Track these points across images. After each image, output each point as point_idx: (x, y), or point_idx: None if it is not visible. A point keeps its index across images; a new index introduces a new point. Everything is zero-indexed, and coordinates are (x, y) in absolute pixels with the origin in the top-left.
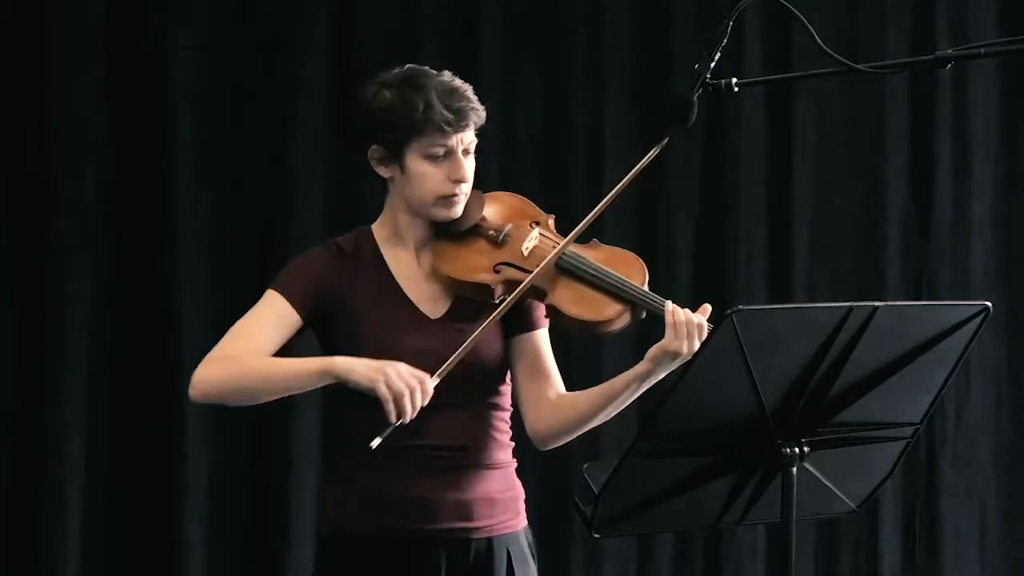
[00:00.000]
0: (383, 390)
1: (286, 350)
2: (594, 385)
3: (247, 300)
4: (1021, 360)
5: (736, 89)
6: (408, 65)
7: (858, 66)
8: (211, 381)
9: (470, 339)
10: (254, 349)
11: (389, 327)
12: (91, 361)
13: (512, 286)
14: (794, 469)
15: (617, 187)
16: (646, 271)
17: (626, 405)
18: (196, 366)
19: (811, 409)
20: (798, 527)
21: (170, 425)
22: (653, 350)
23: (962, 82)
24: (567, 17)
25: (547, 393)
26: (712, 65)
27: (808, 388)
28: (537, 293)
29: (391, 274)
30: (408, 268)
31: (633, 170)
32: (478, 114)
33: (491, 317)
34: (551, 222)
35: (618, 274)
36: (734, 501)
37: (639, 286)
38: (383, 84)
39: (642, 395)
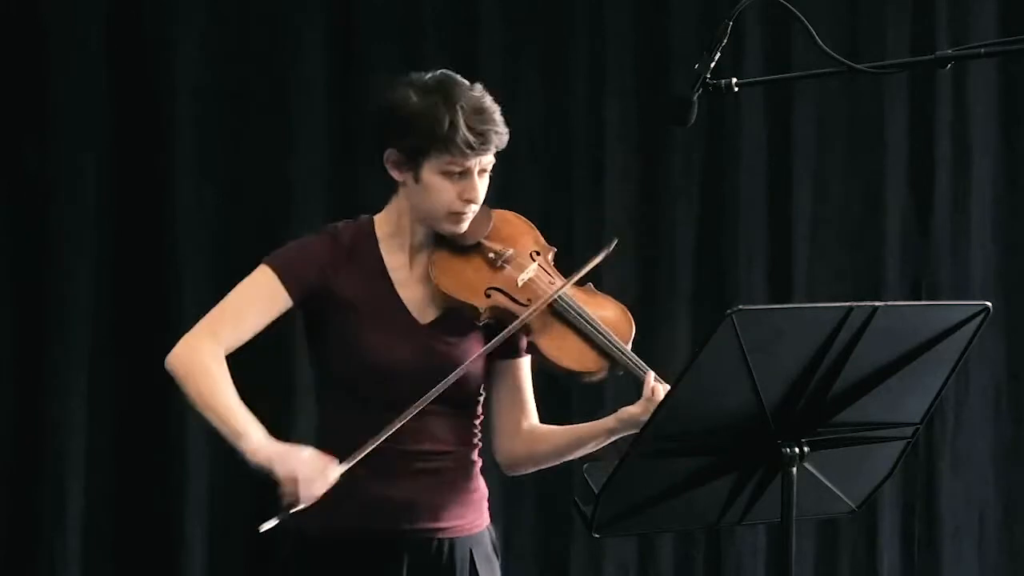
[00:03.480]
0: (281, 473)
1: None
2: (565, 407)
3: None
4: (1021, 360)
5: (736, 89)
6: (442, 71)
7: (858, 66)
8: (174, 371)
9: (411, 409)
10: (235, 334)
11: (378, 328)
12: (91, 360)
13: (499, 312)
14: (794, 469)
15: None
16: (633, 328)
17: (593, 451)
18: None
19: (811, 409)
20: (798, 527)
21: (170, 425)
22: (624, 414)
23: (962, 82)
24: (567, 16)
25: (521, 423)
26: (712, 65)
27: (808, 388)
28: (524, 329)
29: (387, 273)
30: (403, 269)
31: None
32: (501, 138)
33: (470, 360)
34: (551, 256)
35: (607, 328)
36: (734, 501)
37: (624, 345)
38: (412, 88)
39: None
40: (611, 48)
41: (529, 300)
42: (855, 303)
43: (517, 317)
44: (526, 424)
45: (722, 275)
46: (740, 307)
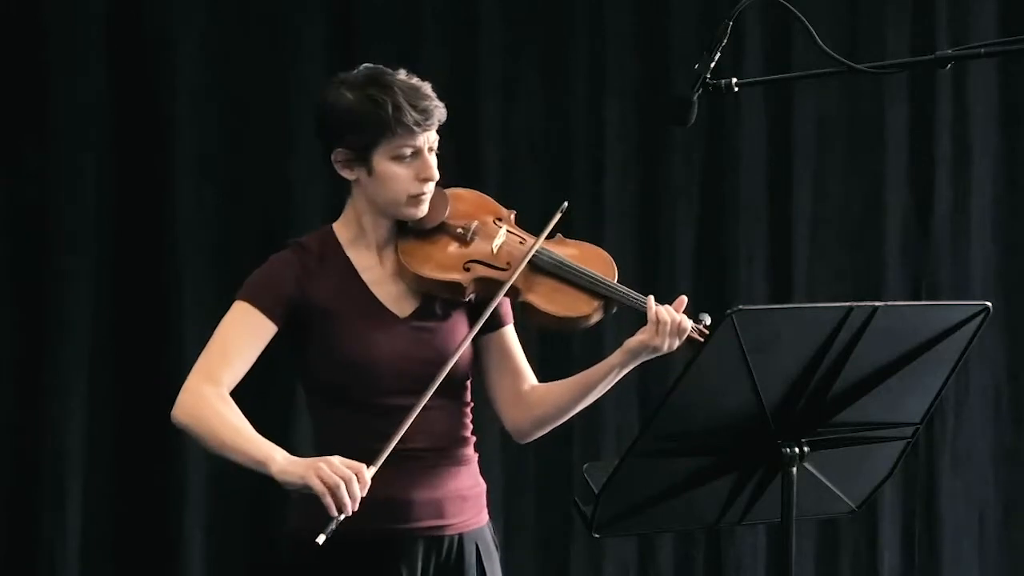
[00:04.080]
0: (317, 484)
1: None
2: (564, 372)
3: None
4: (1021, 360)
5: (736, 89)
6: (365, 65)
7: (858, 66)
8: (183, 423)
9: (429, 389)
10: (231, 372)
11: (359, 329)
12: (91, 361)
13: (483, 283)
14: (794, 469)
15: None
16: (615, 266)
17: (604, 393)
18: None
19: (811, 409)
20: (798, 527)
21: (170, 424)
22: (632, 343)
23: (962, 82)
24: (567, 17)
25: (521, 387)
26: (712, 65)
27: (808, 388)
28: (511, 292)
29: (358, 275)
30: (373, 269)
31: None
32: (441, 111)
33: (465, 338)
34: (513, 218)
35: (590, 269)
36: (734, 501)
37: (612, 281)
38: (344, 85)
39: (644, 395)
40: (611, 48)
41: (508, 264)
42: (855, 303)
43: (501, 284)
44: (525, 387)
45: (722, 275)
46: (740, 307)
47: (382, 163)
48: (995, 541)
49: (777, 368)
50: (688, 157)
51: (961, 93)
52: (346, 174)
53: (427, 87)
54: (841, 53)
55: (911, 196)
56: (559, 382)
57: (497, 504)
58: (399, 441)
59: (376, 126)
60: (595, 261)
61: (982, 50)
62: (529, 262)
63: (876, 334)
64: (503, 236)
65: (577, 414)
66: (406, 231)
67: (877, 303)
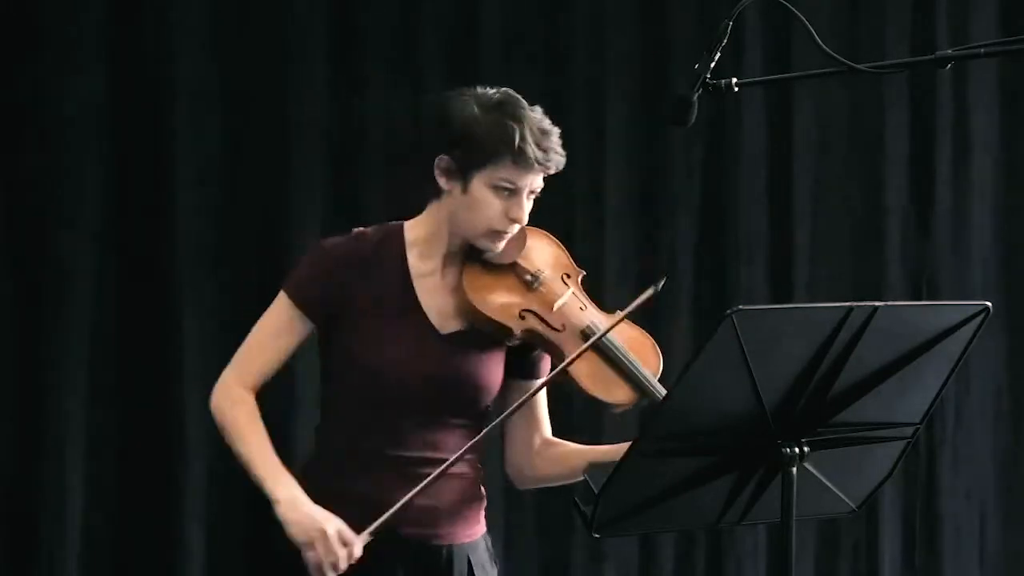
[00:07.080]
0: (310, 558)
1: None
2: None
3: (247, 300)
4: (1021, 360)
5: (736, 89)
6: (503, 89)
7: (858, 66)
8: (216, 419)
9: (437, 472)
10: (265, 367)
11: (393, 335)
12: (92, 362)
13: (531, 335)
14: (794, 469)
15: (620, 316)
16: (661, 359)
17: None
18: (196, 367)
19: (811, 409)
20: (798, 527)
21: (170, 426)
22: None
23: (962, 82)
24: (567, 17)
25: (534, 439)
26: (712, 65)
27: (808, 388)
28: (558, 354)
29: (410, 280)
30: (431, 277)
31: (630, 306)
32: (560, 161)
33: (505, 413)
34: (580, 279)
35: (640, 362)
36: (734, 501)
37: (653, 376)
38: (476, 101)
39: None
40: (611, 48)
41: (563, 326)
42: (855, 303)
43: (548, 341)
44: (539, 440)
45: (722, 275)
46: (740, 307)
47: (479, 187)
48: (995, 541)
49: (777, 368)
50: (688, 157)
51: (961, 93)
52: (441, 182)
53: (555, 133)
54: (841, 53)
55: (911, 196)
56: (568, 452)
57: (497, 505)
58: (398, 447)
59: (495, 146)
60: (648, 355)
61: (982, 50)
62: (583, 334)
63: (876, 334)
64: (567, 298)
65: (577, 413)
66: (475, 255)
67: (877, 303)
